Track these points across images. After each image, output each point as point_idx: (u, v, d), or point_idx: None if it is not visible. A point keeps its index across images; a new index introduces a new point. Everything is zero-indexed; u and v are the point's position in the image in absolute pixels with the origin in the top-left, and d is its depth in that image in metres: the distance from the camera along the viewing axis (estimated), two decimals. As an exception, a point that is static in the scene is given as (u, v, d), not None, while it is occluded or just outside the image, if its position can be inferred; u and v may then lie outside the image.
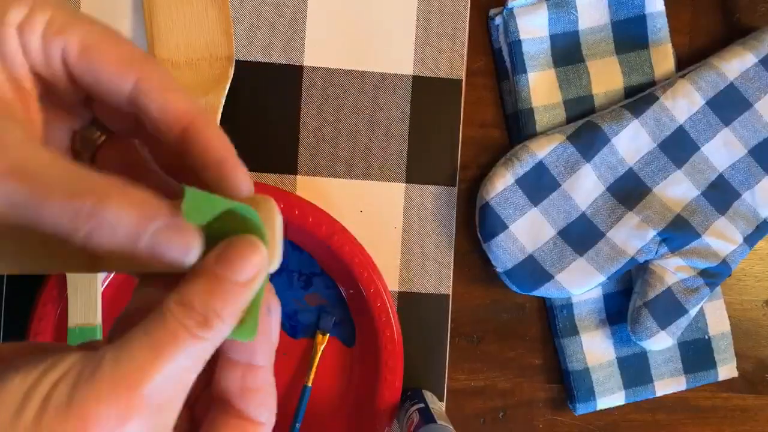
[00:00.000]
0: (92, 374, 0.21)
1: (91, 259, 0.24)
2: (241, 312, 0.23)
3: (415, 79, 0.56)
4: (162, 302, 0.23)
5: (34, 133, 0.25)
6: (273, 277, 0.27)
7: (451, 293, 0.57)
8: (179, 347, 0.22)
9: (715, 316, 0.59)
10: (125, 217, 0.22)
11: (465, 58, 0.57)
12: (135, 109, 0.25)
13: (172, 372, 0.22)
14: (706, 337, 0.59)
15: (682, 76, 0.55)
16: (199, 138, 0.25)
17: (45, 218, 0.22)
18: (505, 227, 0.55)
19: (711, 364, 0.59)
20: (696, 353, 0.59)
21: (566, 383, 0.58)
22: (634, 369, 0.58)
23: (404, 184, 0.56)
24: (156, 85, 0.25)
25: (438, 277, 0.57)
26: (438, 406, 0.53)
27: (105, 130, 0.28)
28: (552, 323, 0.58)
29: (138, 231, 0.22)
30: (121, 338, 0.22)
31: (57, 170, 0.22)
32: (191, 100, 0.25)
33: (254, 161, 0.55)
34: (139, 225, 0.22)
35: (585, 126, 0.55)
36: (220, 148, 0.25)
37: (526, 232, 0.55)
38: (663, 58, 0.57)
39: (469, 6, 0.56)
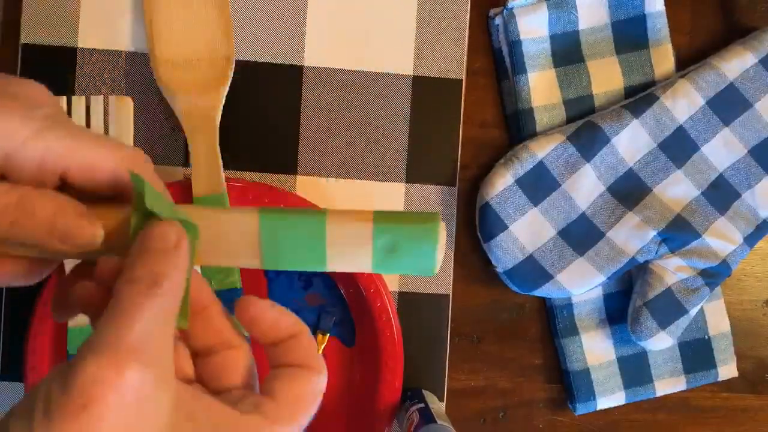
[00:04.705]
0: (74, 364, 0.24)
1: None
2: (183, 268, 0.27)
3: (415, 79, 0.56)
4: (112, 293, 0.26)
5: None
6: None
7: (451, 293, 0.57)
8: (143, 306, 0.25)
9: (715, 316, 0.59)
10: (43, 209, 0.28)
11: (465, 58, 0.57)
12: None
13: (147, 326, 0.25)
14: (706, 337, 0.59)
15: (682, 76, 0.55)
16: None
17: None
18: (505, 227, 0.55)
19: (711, 364, 0.59)
20: (696, 353, 0.59)
21: (566, 383, 0.58)
22: (634, 369, 0.58)
23: (404, 184, 0.56)
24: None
25: (438, 277, 0.57)
26: (438, 406, 0.53)
27: None
28: (552, 323, 0.58)
29: (54, 218, 0.28)
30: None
31: None
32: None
33: (254, 161, 0.55)
34: (56, 214, 0.28)
35: (585, 126, 0.55)
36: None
37: (526, 232, 0.55)
38: (663, 58, 0.57)
39: (469, 6, 0.56)
